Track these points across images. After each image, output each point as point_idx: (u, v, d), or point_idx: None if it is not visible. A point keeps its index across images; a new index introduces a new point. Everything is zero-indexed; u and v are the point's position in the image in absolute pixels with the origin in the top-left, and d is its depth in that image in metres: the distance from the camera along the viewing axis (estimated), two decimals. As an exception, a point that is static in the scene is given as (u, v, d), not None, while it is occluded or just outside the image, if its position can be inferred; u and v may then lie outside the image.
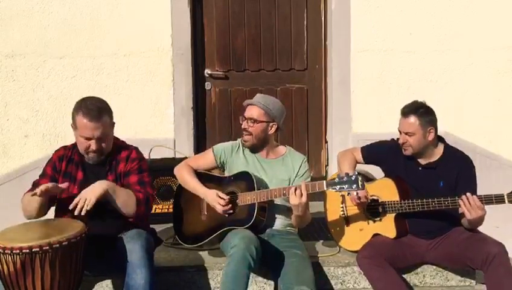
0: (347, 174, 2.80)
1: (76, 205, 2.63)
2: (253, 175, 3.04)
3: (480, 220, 2.93)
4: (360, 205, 3.18)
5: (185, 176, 3.20)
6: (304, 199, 2.83)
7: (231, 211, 3.03)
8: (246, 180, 3.05)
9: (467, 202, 2.85)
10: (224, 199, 3.01)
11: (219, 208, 3.02)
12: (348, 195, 3.20)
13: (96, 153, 2.85)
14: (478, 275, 3.20)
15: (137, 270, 2.67)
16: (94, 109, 2.80)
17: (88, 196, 2.65)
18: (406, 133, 3.07)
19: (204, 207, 3.18)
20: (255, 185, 3.00)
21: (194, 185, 3.16)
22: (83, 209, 2.62)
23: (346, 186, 2.76)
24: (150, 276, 2.68)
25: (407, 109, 3.10)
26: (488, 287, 2.88)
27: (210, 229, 3.12)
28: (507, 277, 2.80)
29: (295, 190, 2.85)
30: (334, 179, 2.82)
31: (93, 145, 2.82)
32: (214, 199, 3.03)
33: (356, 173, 2.77)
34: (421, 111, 3.06)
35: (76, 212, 2.63)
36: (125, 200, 2.80)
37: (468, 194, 2.87)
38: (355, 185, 2.74)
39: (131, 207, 2.81)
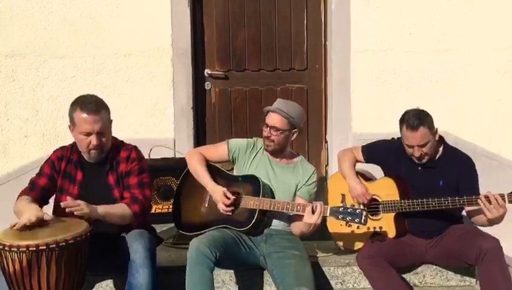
0: (352, 206, 2.84)
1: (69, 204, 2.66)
2: (261, 181, 3.05)
3: (501, 218, 2.91)
4: (360, 205, 3.18)
5: (196, 165, 3.21)
6: (320, 220, 2.85)
7: (230, 213, 3.04)
8: (253, 184, 3.07)
9: (486, 202, 2.84)
10: (229, 199, 3.02)
11: (221, 207, 3.03)
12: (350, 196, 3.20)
13: (97, 149, 2.85)
14: (478, 274, 3.20)
15: (139, 270, 2.68)
16: (92, 103, 2.82)
17: (84, 209, 2.65)
18: (421, 146, 3.01)
19: (207, 199, 3.20)
20: (261, 192, 3.01)
21: (204, 177, 3.16)
22: (73, 211, 2.65)
23: (349, 218, 2.80)
24: (152, 276, 2.70)
25: (415, 122, 2.98)
26: (481, 281, 2.89)
27: (207, 223, 3.13)
28: (500, 272, 2.80)
29: (312, 209, 2.85)
30: (339, 207, 2.84)
31: (93, 140, 2.81)
32: (220, 196, 3.04)
33: (361, 208, 2.80)
34: (424, 118, 3.01)
35: (67, 210, 2.65)
36: (119, 220, 2.83)
37: (488, 192, 2.86)
38: (357, 219, 2.78)
39: (126, 222, 2.85)
